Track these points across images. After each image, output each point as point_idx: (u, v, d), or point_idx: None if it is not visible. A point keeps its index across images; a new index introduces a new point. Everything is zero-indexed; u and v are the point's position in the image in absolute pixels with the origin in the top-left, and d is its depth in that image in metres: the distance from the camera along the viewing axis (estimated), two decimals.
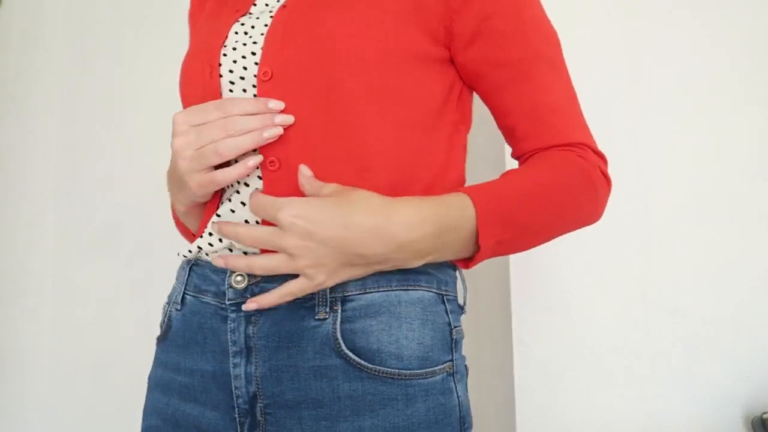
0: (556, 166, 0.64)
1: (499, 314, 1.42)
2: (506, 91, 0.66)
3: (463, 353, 0.68)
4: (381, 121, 0.60)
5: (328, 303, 0.59)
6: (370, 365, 0.58)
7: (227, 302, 0.63)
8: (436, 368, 0.61)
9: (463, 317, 0.71)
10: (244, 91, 0.63)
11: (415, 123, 0.63)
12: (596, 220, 0.69)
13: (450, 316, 0.64)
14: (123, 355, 1.83)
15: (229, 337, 0.63)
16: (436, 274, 0.64)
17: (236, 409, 0.62)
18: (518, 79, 0.66)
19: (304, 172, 0.57)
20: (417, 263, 0.59)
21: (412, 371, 0.59)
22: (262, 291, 0.61)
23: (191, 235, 0.78)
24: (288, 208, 0.55)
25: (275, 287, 0.59)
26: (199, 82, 0.67)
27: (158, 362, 0.72)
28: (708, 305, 1.31)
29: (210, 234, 0.65)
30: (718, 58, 1.35)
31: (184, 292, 0.68)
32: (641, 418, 1.29)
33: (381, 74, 0.60)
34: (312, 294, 0.59)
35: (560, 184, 0.64)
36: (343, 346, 0.59)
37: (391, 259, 0.57)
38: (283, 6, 0.64)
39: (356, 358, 0.58)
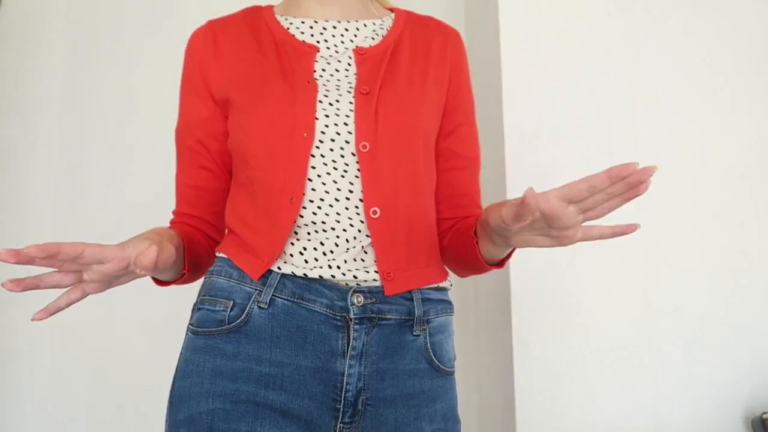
0: None
1: (499, 314, 1.42)
2: (460, 173, 0.93)
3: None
4: (432, 189, 0.90)
5: (421, 322, 0.82)
6: (442, 367, 0.83)
7: (353, 317, 0.78)
8: (454, 368, 0.87)
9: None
10: (342, 157, 0.81)
11: (433, 177, 0.91)
12: None
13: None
14: (123, 355, 1.83)
15: (348, 343, 0.78)
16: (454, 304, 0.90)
17: (341, 401, 0.77)
18: (468, 166, 0.94)
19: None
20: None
21: (452, 369, 0.86)
22: (377, 311, 0.79)
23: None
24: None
25: (388, 307, 0.80)
26: (292, 144, 0.81)
27: (216, 352, 0.78)
28: (708, 305, 1.31)
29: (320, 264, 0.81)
30: (718, 58, 1.35)
31: (273, 295, 0.78)
32: (641, 418, 1.29)
33: (431, 149, 0.89)
34: (410, 317, 0.81)
35: None
36: (432, 355, 0.82)
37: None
38: (363, 93, 0.84)
39: (437, 362, 0.83)
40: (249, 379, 0.76)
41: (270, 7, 0.95)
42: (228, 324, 0.78)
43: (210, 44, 0.92)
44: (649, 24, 1.36)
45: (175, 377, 0.83)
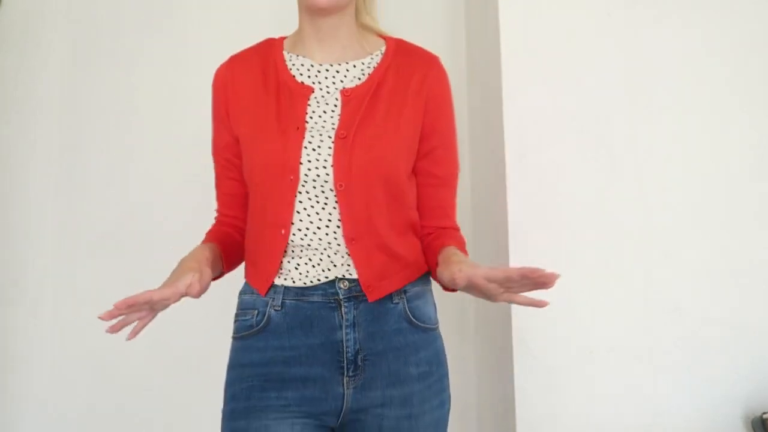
0: (462, 241, 1.10)
1: (499, 314, 1.42)
2: (433, 189, 1.08)
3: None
4: (408, 205, 1.06)
5: (400, 293, 1.03)
6: (421, 324, 1.04)
7: (342, 297, 1.00)
8: (437, 324, 1.08)
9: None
10: (323, 192, 1.00)
11: (412, 204, 1.08)
12: None
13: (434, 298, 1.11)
14: (123, 355, 1.83)
15: (342, 318, 1.00)
16: (432, 281, 1.10)
17: (344, 361, 0.99)
18: (440, 185, 1.08)
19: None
20: None
21: (434, 326, 1.07)
22: (357, 290, 1.01)
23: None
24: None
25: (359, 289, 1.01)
26: (282, 184, 1.00)
27: (252, 349, 1.03)
28: (708, 305, 1.31)
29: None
30: (718, 59, 1.35)
31: (283, 300, 1.02)
32: (641, 418, 1.29)
33: (405, 179, 1.04)
34: (390, 290, 1.02)
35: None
36: (411, 316, 1.03)
37: None
38: (340, 137, 1.00)
39: (416, 321, 1.04)
40: (276, 363, 1.01)
41: (281, 42, 1.11)
42: (256, 327, 1.03)
43: (229, 83, 1.09)
44: (650, 24, 1.36)
45: (227, 373, 1.07)
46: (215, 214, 1.19)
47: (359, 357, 1.00)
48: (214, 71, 1.16)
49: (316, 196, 0.99)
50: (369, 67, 1.06)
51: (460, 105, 1.89)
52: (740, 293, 1.31)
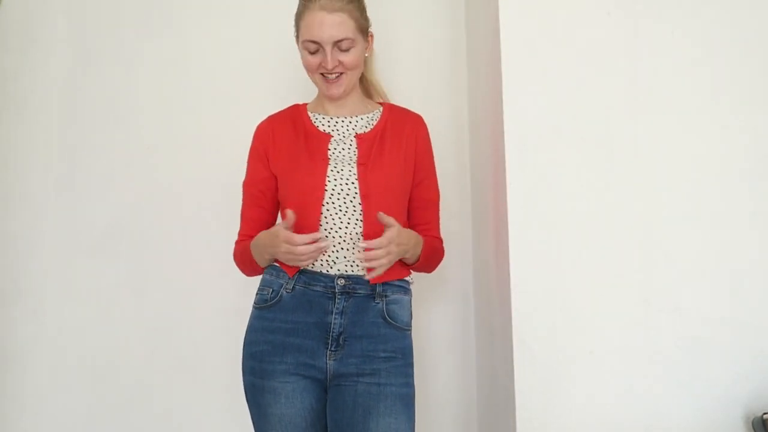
0: (438, 244, 1.51)
1: (499, 314, 1.42)
2: (422, 211, 1.48)
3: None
4: (403, 213, 1.45)
5: (381, 296, 1.37)
6: (395, 323, 1.37)
7: (337, 291, 1.35)
8: (409, 327, 1.40)
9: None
10: (346, 205, 1.38)
11: (404, 211, 1.47)
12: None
13: (411, 305, 1.45)
14: (123, 355, 1.83)
15: (334, 306, 1.34)
16: (411, 289, 1.46)
17: (330, 339, 1.33)
18: (428, 206, 1.48)
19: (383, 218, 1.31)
20: (407, 255, 1.39)
21: (406, 328, 1.39)
22: (353, 287, 1.35)
23: (256, 268, 1.45)
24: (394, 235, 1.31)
25: (360, 286, 1.36)
26: (312, 199, 1.37)
27: (264, 318, 1.38)
28: (708, 305, 1.31)
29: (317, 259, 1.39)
30: (717, 58, 1.35)
31: (294, 284, 1.37)
32: (641, 418, 1.29)
33: (405, 196, 1.45)
34: (372, 292, 1.37)
35: (441, 253, 1.52)
36: (386, 315, 1.36)
37: (408, 251, 1.38)
38: (361, 164, 1.39)
39: (390, 320, 1.36)
40: (281, 332, 1.35)
41: (305, 106, 1.50)
42: (270, 302, 1.38)
43: (270, 134, 1.46)
44: (650, 24, 1.36)
45: (247, 331, 1.40)
46: (237, 237, 1.47)
47: (341, 338, 1.34)
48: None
49: (340, 206, 1.36)
50: (372, 120, 1.47)
51: (460, 105, 1.90)
52: (740, 293, 1.31)
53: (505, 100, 1.33)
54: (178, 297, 1.82)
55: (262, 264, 1.42)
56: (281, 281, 1.38)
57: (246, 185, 1.46)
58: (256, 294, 1.41)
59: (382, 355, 1.33)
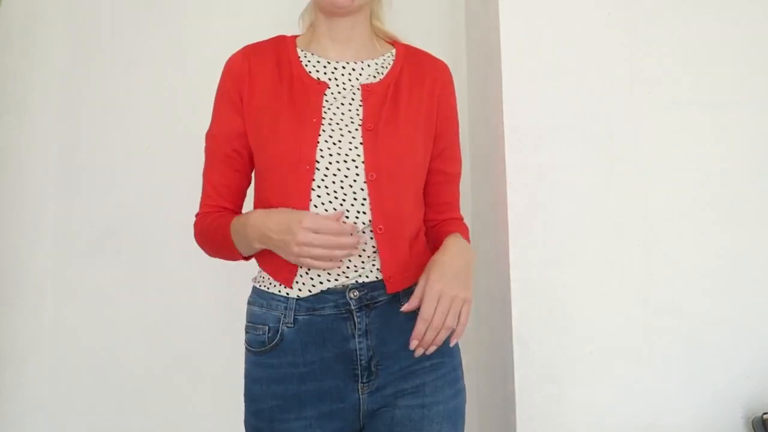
0: (465, 228, 1.18)
1: (499, 314, 1.42)
2: (443, 186, 1.14)
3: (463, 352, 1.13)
4: (422, 203, 1.12)
5: (407, 296, 0.99)
6: None
7: (353, 307, 1.01)
8: None
9: None
10: (351, 186, 1.00)
11: (423, 203, 1.13)
12: None
13: None
14: (123, 355, 1.83)
15: (355, 327, 1.01)
16: None
17: (358, 368, 1.01)
18: (450, 181, 1.15)
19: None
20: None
21: None
22: (371, 297, 1.02)
23: (233, 254, 1.07)
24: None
25: (379, 293, 1.02)
26: (297, 175, 0.99)
27: (265, 365, 1.03)
28: (708, 305, 1.31)
29: (317, 276, 1.03)
30: (718, 58, 1.35)
31: (294, 316, 1.02)
32: (641, 418, 1.29)
33: (424, 173, 1.09)
34: (397, 294, 1.03)
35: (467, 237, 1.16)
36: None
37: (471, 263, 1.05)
38: (368, 129, 1.01)
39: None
40: (292, 380, 1.02)
41: (294, 40, 1.11)
42: (268, 344, 1.03)
43: (245, 71, 1.06)
44: (650, 23, 1.36)
45: (245, 381, 1.07)
46: (200, 209, 1.11)
47: (372, 363, 1.02)
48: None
49: (342, 188, 0.99)
50: (383, 67, 1.09)
51: (460, 105, 1.88)
52: (740, 293, 1.31)
53: (504, 100, 1.33)
54: (178, 297, 1.82)
55: (245, 253, 1.06)
56: (276, 313, 1.03)
57: (213, 138, 1.08)
58: (246, 332, 1.08)
59: (427, 363, 1.03)
